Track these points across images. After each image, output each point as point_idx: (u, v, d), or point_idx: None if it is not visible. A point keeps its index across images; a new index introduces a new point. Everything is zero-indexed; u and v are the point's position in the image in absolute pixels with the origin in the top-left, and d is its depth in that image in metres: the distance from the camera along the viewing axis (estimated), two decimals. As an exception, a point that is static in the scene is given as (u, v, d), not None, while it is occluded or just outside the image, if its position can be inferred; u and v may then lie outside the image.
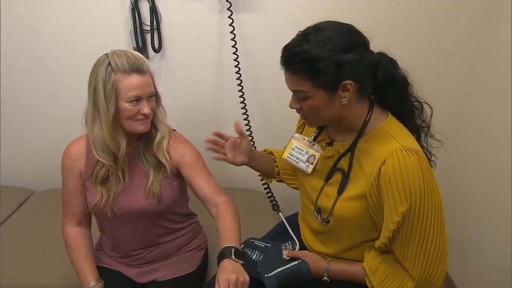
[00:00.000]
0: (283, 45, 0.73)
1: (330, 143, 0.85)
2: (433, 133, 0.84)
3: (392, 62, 0.78)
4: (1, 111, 1.51)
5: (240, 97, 1.34)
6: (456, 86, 1.41)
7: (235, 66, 1.32)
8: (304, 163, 0.89)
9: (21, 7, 1.32)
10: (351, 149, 0.79)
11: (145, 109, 0.85)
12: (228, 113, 1.49)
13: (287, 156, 0.92)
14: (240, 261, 0.78)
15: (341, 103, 0.74)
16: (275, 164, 1.07)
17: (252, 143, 1.27)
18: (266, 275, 0.81)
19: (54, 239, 1.23)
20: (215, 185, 0.95)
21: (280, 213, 1.19)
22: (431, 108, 0.81)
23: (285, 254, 0.86)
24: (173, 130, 1.01)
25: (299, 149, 0.91)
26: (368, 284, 0.80)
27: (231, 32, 1.28)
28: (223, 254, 0.77)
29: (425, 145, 0.84)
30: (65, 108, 1.48)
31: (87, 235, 1.00)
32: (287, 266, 0.83)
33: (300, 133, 0.97)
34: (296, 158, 0.91)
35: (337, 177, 0.83)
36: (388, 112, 0.80)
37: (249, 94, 1.37)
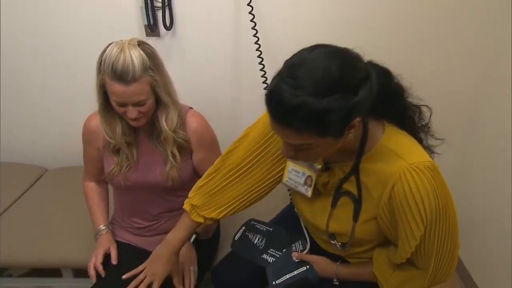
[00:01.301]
0: (269, 89, 0.59)
1: (326, 168, 0.76)
2: (433, 133, 0.77)
3: (387, 74, 0.68)
4: (15, 91, 1.51)
5: (263, 82, 1.25)
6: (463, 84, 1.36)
7: (255, 45, 1.24)
8: (303, 186, 0.81)
9: None
10: (354, 172, 0.70)
11: (130, 114, 0.84)
12: (247, 97, 1.45)
13: (286, 181, 0.83)
14: (193, 243, 0.98)
15: (345, 140, 0.64)
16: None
17: None
18: (274, 283, 0.81)
19: (67, 215, 1.31)
20: None
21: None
22: (430, 110, 0.74)
23: (295, 256, 0.84)
24: (190, 108, 1.01)
25: (295, 171, 0.82)
26: (380, 285, 0.79)
27: (250, 13, 1.20)
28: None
29: (426, 144, 0.77)
30: (77, 88, 1.47)
31: (102, 190, 1.09)
32: (295, 273, 0.82)
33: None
34: (295, 182, 0.82)
35: (344, 202, 0.75)
36: (384, 121, 0.72)
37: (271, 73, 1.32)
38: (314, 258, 0.84)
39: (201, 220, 0.87)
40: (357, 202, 0.71)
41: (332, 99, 0.53)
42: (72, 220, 1.26)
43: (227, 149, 0.88)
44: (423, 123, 0.75)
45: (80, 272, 1.27)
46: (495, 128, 1.24)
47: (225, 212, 0.87)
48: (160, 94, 0.87)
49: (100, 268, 0.94)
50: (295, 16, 1.28)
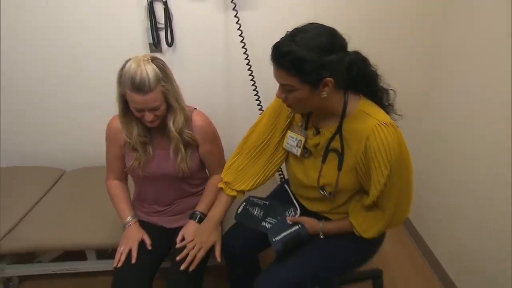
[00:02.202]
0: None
1: (317, 132, 0.93)
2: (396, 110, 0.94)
3: (364, 62, 0.84)
4: (35, 101, 1.61)
5: (251, 80, 1.47)
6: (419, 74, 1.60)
7: (244, 53, 1.44)
8: (295, 148, 0.98)
9: (54, 11, 1.42)
10: (339, 131, 0.87)
11: (146, 117, 0.96)
12: (237, 100, 1.63)
13: (285, 145, 1.01)
14: (199, 224, 1.08)
15: (321, 96, 0.81)
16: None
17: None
18: (274, 239, 0.93)
19: (86, 207, 1.40)
20: (219, 162, 1.16)
21: (285, 185, 1.27)
22: (394, 92, 0.91)
23: (289, 220, 0.98)
24: (195, 108, 1.12)
25: (291, 137, 0.99)
26: (356, 233, 0.95)
27: (238, 29, 1.40)
28: (192, 215, 1.10)
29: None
30: (91, 97, 1.59)
31: (124, 186, 1.18)
32: (290, 231, 0.95)
33: (290, 121, 1.03)
34: (290, 145, 1.00)
35: (331, 157, 0.91)
36: (360, 95, 0.89)
37: (258, 77, 1.50)
38: (304, 219, 0.99)
39: (234, 193, 1.05)
40: (341, 155, 0.88)
41: (310, 52, 0.74)
42: (90, 211, 1.37)
43: (245, 135, 1.09)
44: (389, 102, 0.92)
45: (103, 254, 1.39)
46: (443, 109, 1.47)
47: (251, 184, 1.06)
48: (170, 101, 0.98)
49: (135, 254, 1.02)
50: (277, 33, 1.48)
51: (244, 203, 1.07)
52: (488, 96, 1.19)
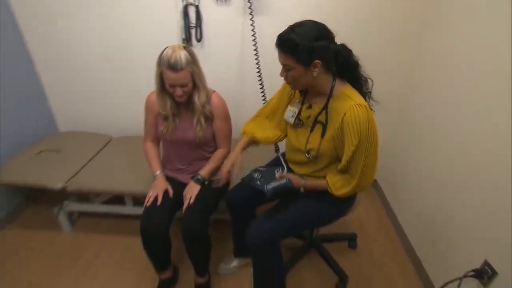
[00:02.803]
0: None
1: (309, 106, 1.14)
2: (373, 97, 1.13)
3: (348, 52, 1.04)
4: (91, 83, 1.94)
5: (258, 76, 1.73)
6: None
7: (254, 55, 1.70)
8: (291, 118, 1.20)
9: (111, 13, 1.73)
10: (325, 107, 1.06)
11: (177, 92, 1.16)
12: (248, 86, 1.88)
13: (285, 116, 1.23)
14: (198, 185, 1.29)
15: (312, 75, 1.01)
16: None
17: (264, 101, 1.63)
18: (265, 187, 1.11)
19: (127, 165, 1.67)
20: (225, 138, 1.36)
21: (279, 155, 1.47)
22: (372, 81, 1.10)
23: (277, 175, 1.16)
24: (214, 91, 1.32)
25: (289, 110, 1.21)
26: (329, 190, 1.12)
27: (252, 30, 1.67)
28: (193, 177, 1.31)
29: (368, 103, 1.08)
30: (134, 80, 1.90)
31: (156, 147, 1.42)
32: (279, 182, 1.12)
33: (291, 98, 1.26)
34: (288, 116, 1.21)
35: (318, 127, 1.10)
36: (345, 82, 1.07)
37: (265, 70, 1.76)
38: (290, 175, 1.17)
39: (250, 136, 1.30)
40: (324, 126, 1.07)
41: (303, 39, 0.94)
42: (129, 168, 1.66)
43: (262, 106, 1.37)
44: (368, 89, 1.10)
45: (137, 202, 1.74)
46: (423, 96, 1.68)
47: (262, 136, 1.29)
48: (196, 80, 1.18)
49: (160, 199, 1.26)
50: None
51: (250, 171, 1.23)
52: (458, 96, 1.40)
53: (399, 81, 1.84)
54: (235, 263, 1.59)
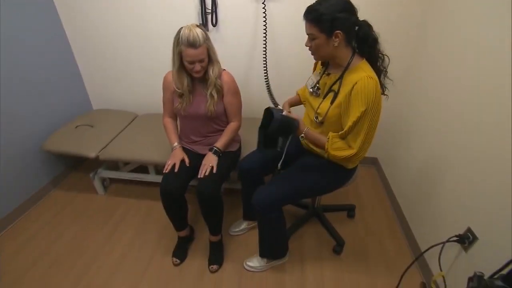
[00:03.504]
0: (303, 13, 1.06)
1: (328, 74, 1.20)
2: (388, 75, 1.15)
3: (369, 27, 1.07)
4: (118, 64, 2.10)
5: (263, 58, 1.82)
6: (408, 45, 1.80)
7: (263, 40, 1.78)
8: (310, 86, 1.27)
9: (135, 7, 1.87)
10: (341, 77, 1.11)
11: (195, 68, 1.25)
12: (256, 66, 1.96)
13: (306, 84, 1.31)
14: (216, 156, 1.38)
15: (334, 46, 1.05)
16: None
17: (268, 89, 1.72)
18: (276, 112, 1.08)
19: (151, 139, 1.82)
20: (236, 112, 1.44)
21: None
22: (389, 59, 1.12)
23: (285, 113, 1.12)
24: (224, 70, 1.39)
25: (311, 79, 1.29)
26: (326, 145, 1.12)
27: (264, 16, 1.74)
28: (211, 149, 1.39)
29: (383, 82, 1.14)
30: (156, 62, 2.04)
31: (174, 122, 1.53)
32: (289, 115, 1.12)
33: (313, 72, 1.32)
34: (308, 84, 1.29)
35: (330, 95, 1.15)
36: (364, 58, 1.11)
37: (270, 55, 1.85)
38: (297, 116, 1.17)
39: (296, 93, 1.47)
40: (336, 93, 1.11)
41: (326, 9, 1.00)
42: (152, 140, 1.82)
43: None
44: (384, 67, 1.12)
45: (159, 170, 1.92)
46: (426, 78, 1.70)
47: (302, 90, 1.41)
48: (211, 55, 1.26)
49: (177, 166, 1.38)
50: (293, 23, 1.76)
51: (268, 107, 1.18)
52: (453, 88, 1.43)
53: (400, 60, 1.85)
54: (244, 225, 1.75)
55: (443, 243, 1.23)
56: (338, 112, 1.13)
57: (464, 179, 1.25)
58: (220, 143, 1.44)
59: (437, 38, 1.58)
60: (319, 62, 1.32)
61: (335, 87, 1.13)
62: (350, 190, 2.04)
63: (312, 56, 1.16)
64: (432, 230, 1.46)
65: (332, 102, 1.13)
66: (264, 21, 1.77)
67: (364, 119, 1.04)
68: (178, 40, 1.21)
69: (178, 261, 1.56)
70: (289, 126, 1.11)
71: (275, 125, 1.05)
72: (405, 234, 1.72)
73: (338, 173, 1.30)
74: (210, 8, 1.82)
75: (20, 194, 1.87)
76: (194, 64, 1.24)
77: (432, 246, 1.27)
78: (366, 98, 1.01)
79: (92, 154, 1.80)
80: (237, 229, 1.75)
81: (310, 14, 1.04)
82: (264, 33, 1.80)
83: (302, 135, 1.17)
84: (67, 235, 1.75)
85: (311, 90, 1.25)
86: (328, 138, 1.14)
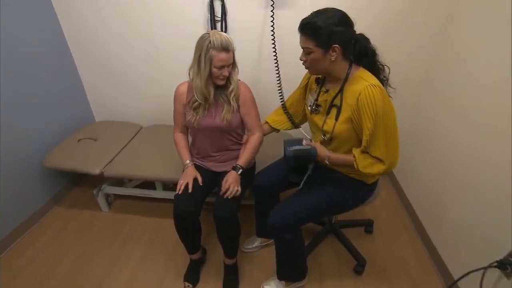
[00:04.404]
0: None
1: (326, 91, 1.14)
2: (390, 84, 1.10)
3: (366, 40, 1.04)
4: (126, 76, 1.98)
5: (275, 63, 1.67)
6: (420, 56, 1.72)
7: (273, 48, 1.65)
8: (309, 106, 1.22)
9: (140, 8, 1.75)
10: (341, 90, 1.05)
11: (225, 72, 1.18)
12: (264, 73, 1.86)
13: (306, 101, 1.26)
14: (239, 174, 1.26)
15: (330, 60, 1.00)
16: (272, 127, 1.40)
17: (280, 93, 1.56)
18: (288, 148, 1.08)
19: (157, 156, 1.70)
20: (256, 122, 1.32)
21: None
22: (389, 68, 1.08)
23: (304, 143, 1.11)
24: (239, 80, 1.30)
25: (309, 99, 1.22)
26: (354, 165, 1.06)
27: (271, 21, 1.63)
28: (234, 168, 1.28)
29: (386, 90, 1.05)
30: (163, 71, 1.92)
31: (185, 137, 1.42)
32: (303, 147, 1.07)
33: (308, 90, 1.26)
34: (307, 105, 1.24)
35: (333, 111, 1.09)
36: (361, 66, 1.05)
37: (281, 61, 1.72)
38: (317, 144, 1.13)
39: (264, 122, 1.40)
40: (339, 108, 1.06)
41: (324, 23, 0.95)
42: (159, 155, 1.71)
43: (290, 95, 1.38)
44: (385, 77, 1.08)
45: (166, 186, 1.81)
46: (442, 90, 1.60)
47: (273, 118, 1.38)
48: (235, 59, 1.21)
49: (190, 186, 1.27)
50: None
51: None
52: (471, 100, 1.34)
53: (417, 72, 1.77)
54: (257, 242, 1.64)
55: (484, 268, 1.11)
56: (347, 128, 1.06)
57: (494, 196, 1.14)
58: (243, 160, 1.32)
59: (454, 47, 1.49)
60: (310, 78, 1.26)
61: (337, 101, 1.07)
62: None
63: (307, 70, 1.10)
64: (462, 251, 1.36)
65: (336, 118, 1.07)
66: (272, 30, 1.65)
67: (378, 131, 0.99)
68: (207, 46, 1.12)
69: (191, 285, 1.44)
70: (307, 157, 1.07)
71: (289, 163, 1.04)
72: (428, 252, 1.61)
73: (358, 190, 1.22)
74: (220, 16, 1.70)
75: (20, 213, 1.73)
76: (223, 69, 1.17)
77: (470, 272, 1.15)
78: (374, 107, 0.96)
79: (96, 170, 1.67)
80: (250, 246, 1.64)
81: (306, 27, 0.98)
82: (272, 40, 1.68)
83: (326, 162, 1.12)
84: (71, 256, 1.61)
85: (309, 108, 1.19)
86: (354, 157, 1.07)
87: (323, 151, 1.12)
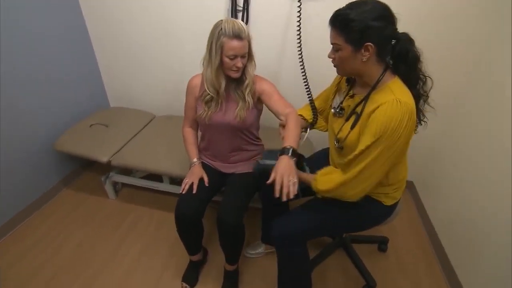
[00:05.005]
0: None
1: (352, 96, 0.99)
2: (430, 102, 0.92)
3: (410, 41, 0.84)
4: (140, 64, 1.92)
5: (300, 60, 1.43)
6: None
7: (298, 43, 1.44)
8: (334, 105, 1.08)
9: None
10: (366, 98, 0.89)
11: (238, 63, 1.06)
12: (286, 68, 1.72)
13: (332, 103, 1.10)
14: (294, 158, 0.89)
15: (361, 60, 0.83)
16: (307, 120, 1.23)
17: (308, 91, 1.41)
18: (257, 161, 1.04)
19: (168, 145, 1.65)
20: (284, 102, 1.14)
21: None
22: (432, 82, 0.88)
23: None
24: (256, 75, 1.18)
25: (336, 100, 1.08)
26: (313, 183, 0.96)
27: (298, 16, 1.44)
28: (283, 151, 0.91)
29: (421, 109, 0.91)
30: (179, 62, 1.84)
31: (195, 133, 1.33)
32: (272, 162, 0.94)
33: (337, 90, 1.11)
34: (333, 106, 1.08)
35: (352, 118, 0.95)
36: (396, 76, 0.87)
37: (306, 59, 1.54)
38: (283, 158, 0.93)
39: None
40: (358, 116, 0.90)
41: (357, 15, 0.79)
42: (170, 147, 1.64)
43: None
44: (425, 91, 0.88)
45: (173, 180, 1.73)
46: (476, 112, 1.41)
47: (301, 111, 1.20)
48: (251, 50, 1.09)
49: (195, 186, 1.18)
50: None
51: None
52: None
53: (454, 83, 1.57)
54: (261, 249, 1.55)
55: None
56: (355, 139, 0.91)
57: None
58: (291, 139, 0.98)
59: (502, 68, 1.28)
60: (342, 79, 1.09)
61: (359, 109, 0.92)
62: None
63: (336, 68, 0.93)
64: (487, 279, 1.19)
65: (352, 127, 0.92)
66: (299, 21, 1.48)
67: (371, 149, 0.83)
68: (219, 32, 1.02)
69: (188, 287, 1.37)
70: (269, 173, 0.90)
71: (255, 172, 1.02)
72: (448, 281, 1.44)
73: (372, 210, 1.07)
74: (242, 5, 1.57)
75: (30, 193, 1.72)
76: (236, 59, 1.05)
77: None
78: (384, 126, 0.79)
79: (104, 158, 1.62)
80: (253, 252, 1.54)
81: (336, 19, 0.83)
82: (298, 34, 1.52)
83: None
84: (74, 240, 1.59)
85: (333, 111, 1.04)
86: (317, 175, 0.97)
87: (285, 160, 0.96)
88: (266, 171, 0.92)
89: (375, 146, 0.83)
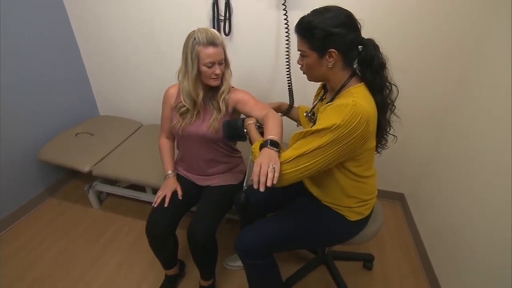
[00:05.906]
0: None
1: (321, 100, 1.01)
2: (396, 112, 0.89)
3: (375, 47, 0.82)
4: (125, 73, 1.90)
5: (287, 72, 1.46)
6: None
7: (286, 53, 1.46)
8: (305, 112, 1.09)
9: (144, 8, 1.64)
10: (328, 103, 0.85)
11: (217, 70, 1.04)
12: (278, 82, 1.67)
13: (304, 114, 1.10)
14: (275, 149, 0.83)
15: (327, 66, 0.83)
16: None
17: (292, 100, 1.42)
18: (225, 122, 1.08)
19: (152, 154, 1.59)
20: (261, 105, 1.09)
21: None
22: (398, 90, 0.85)
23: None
24: (232, 87, 1.17)
25: (312, 104, 1.08)
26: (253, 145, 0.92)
27: (286, 24, 1.43)
28: (266, 142, 0.85)
29: (387, 118, 0.88)
30: (164, 69, 1.82)
31: (171, 144, 1.29)
32: (239, 120, 1.06)
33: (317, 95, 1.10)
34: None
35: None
36: (363, 83, 0.85)
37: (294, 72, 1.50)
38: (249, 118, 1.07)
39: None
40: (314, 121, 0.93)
41: (321, 23, 0.78)
42: (154, 158, 1.55)
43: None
44: (390, 100, 0.86)
45: (156, 190, 1.64)
46: (465, 122, 1.34)
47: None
48: (226, 56, 1.07)
49: (168, 200, 1.14)
50: None
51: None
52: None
53: (440, 99, 1.50)
54: (240, 262, 1.47)
55: None
56: None
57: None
58: (271, 133, 0.91)
59: (494, 70, 1.20)
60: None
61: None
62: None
63: (305, 75, 0.92)
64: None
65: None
66: (287, 31, 1.46)
67: (325, 135, 0.76)
68: (193, 42, 1.00)
69: (163, 302, 1.31)
70: (235, 125, 1.06)
71: (224, 131, 1.07)
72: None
73: (335, 225, 1.02)
74: (223, 15, 1.54)
75: (14, 201, 1.70)
76: (213, 67, 1.03)
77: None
78: (342, 114, 0.75)
79: (85, 168, 1.59)
80: (233, 264, 1.49)
81: (300, 27, 0.83)
82: (286, 46, 1.49)
83: (245, 130, 1.04)
84: (53, 252, 1.55)
85: (305, 114, 1.06)
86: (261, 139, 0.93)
87: (249, 120, 1.06)
88: (233, 125, 1.04)
89: (324, 132, 0.77)
